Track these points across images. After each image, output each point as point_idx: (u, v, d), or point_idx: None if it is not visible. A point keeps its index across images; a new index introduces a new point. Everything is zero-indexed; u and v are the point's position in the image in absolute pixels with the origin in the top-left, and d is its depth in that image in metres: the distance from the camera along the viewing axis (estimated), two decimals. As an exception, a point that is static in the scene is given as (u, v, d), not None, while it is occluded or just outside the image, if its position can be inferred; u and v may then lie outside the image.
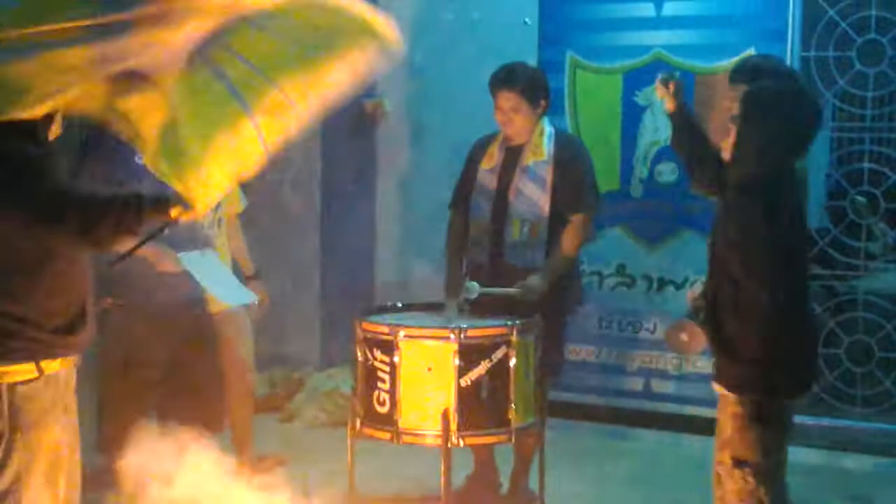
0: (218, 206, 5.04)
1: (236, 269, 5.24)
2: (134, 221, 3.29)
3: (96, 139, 4.62)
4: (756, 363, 3.50)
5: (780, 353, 3.50)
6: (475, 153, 4.93)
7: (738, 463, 3.55)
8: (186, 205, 3.23)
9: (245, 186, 5.38)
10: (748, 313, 3.49)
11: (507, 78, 4.73)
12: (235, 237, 5.27)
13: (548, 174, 4.72)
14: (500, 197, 4.76)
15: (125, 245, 3.48)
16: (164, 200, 3.28)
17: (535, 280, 4.57)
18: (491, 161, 4.83)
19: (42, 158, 3.30)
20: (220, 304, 4.92)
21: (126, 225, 3.27)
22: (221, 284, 4.73)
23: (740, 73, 4.26)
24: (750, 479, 3.53)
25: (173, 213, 3.25)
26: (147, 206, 3.27)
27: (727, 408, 3.57)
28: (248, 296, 4.89)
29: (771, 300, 3.45)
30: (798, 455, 5.80)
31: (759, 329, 3.49)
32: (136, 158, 4.50)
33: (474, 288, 4.48)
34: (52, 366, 3.36)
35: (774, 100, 3.56)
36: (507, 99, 4.70)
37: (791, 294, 3.50)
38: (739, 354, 3.53)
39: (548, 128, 4.80)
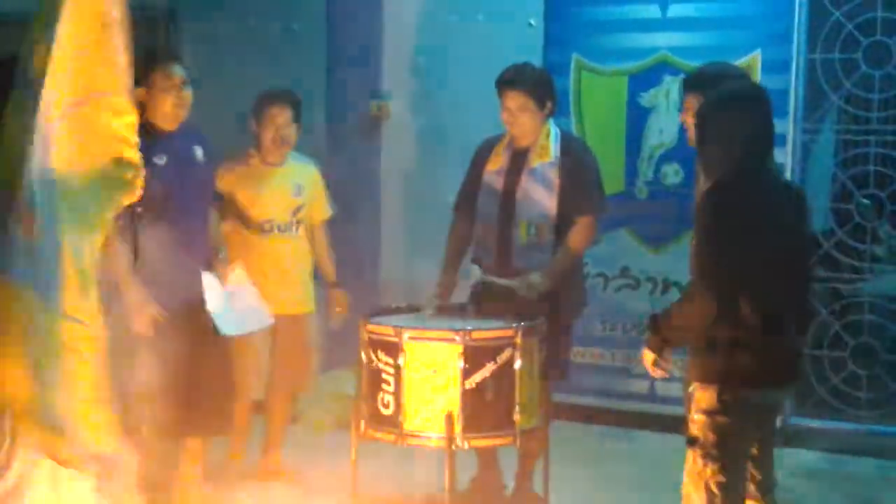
0: (298, 208, 5.11)
1: (318, 276, 5.30)
2: None
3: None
4: (709, 354, 3.53)
5: (728, 345, 3.49)
6: (481, 155, 4.92)
7: (691, 442, 3.59)
8: None
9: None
10: (702, 312, 3.51)
11: (515, 78, 4.73)
12: (320, 245, 5.34)
13: (554, 176, 4.72)
14: (507, 199, 4.75)
15: None
16: None
17: (536, 276, 4.57)
18: (497, 163, 4.82)
19: None
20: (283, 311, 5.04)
21: None
22: (234, 312, 4.75)
23: (692, 82, 4.29)
24: (699, 459, 3.55)
25: None
26: None
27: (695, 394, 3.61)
28: (251, 325, 4.91)
29: (722, 300, 3.47)
30: (803, 458, 5.83)
31: (709, 324, 3.50)
32: (156, 158, 4.52)
33: (475, 272, 4.49)
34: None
35: (720, 107, 3.63)
36: (514, 99, 4.70)
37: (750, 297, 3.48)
38: (699, 347, 3.59)
39: (554, 129, 4.80)
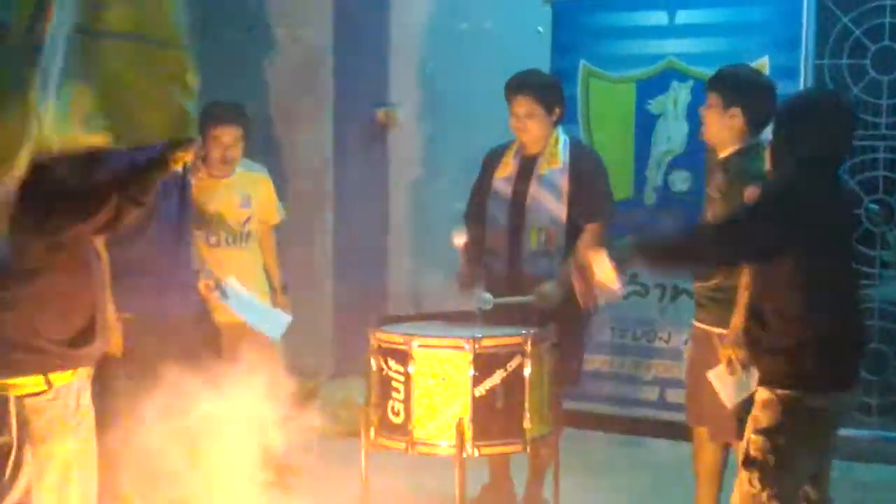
0: (247, 219, 5.07)
1: (268, 280, 5.27)
2: (138, 194, 3.29)
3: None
4: (781, 354, 3.47)
5: (804, 346, 3.44)
6: (490, 162, 4.93)
7: (750, 463, 3.50)
8: (185, 147, 3.25)
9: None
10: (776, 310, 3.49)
11: (523, 84, 4.73)
12: (268, 249, 5.28)
13: (563, 182, 4.72)
14: (516, 205, 4.75)
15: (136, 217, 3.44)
16: (157, 160, 3.29)
17: (549, 287, 4.57)
18: (506, 169, 4.83)
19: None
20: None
21: (131, 201, 3.28)
22: (259, 315, 4.80)
23: (719, 80, 4.29)
24: (757, 482, 3.47)
25: (173, 164, 3.29)
26: (144, 175, 3.29)
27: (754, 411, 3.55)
28: (281, 326, 5.00)
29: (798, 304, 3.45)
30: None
31: (783, 324, 3.48)
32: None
33: (488, 299, 4.47)
34: (61, 378, 3.35)
35: (811, 106, 3.61)
36: (523, 105, 4.70)
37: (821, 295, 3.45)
38: (766, 347, 3.53)
39: (562, 136, 4.80)
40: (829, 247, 3.48)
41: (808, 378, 3.45)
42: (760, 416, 3.50)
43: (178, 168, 3.60)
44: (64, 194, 3.24)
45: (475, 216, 4.92)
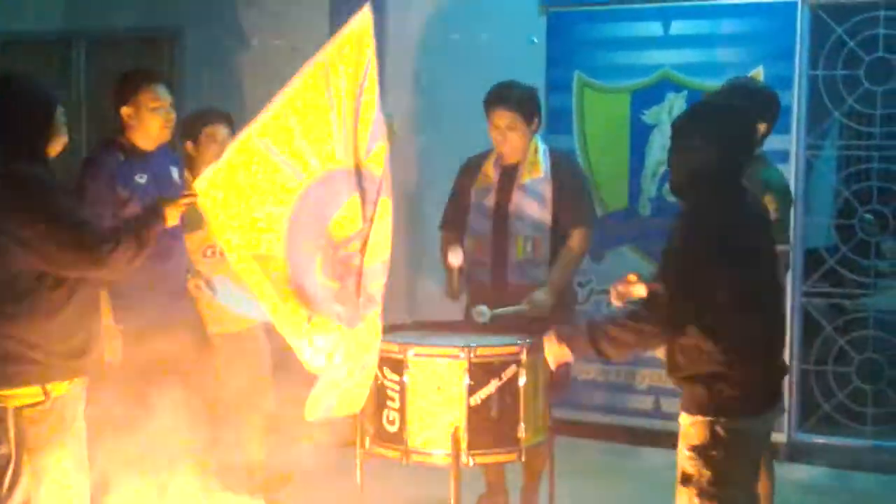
0: None
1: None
2: (145, 241, 3.41)
3: (100, 156, 4.64)
4: (698, 382, 3.43)
5: (719, 376, 3.39)
6: (468, 173, 4.95)
7: (685, 480, 3.46)
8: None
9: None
10: (691, 333, 3.43)
11: (502, 96, 4.76)
12: None
13: (546, 190, 4.75)
14: (500, 215, 4.77)
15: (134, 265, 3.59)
16: (158, 212, 3.66)
17: (540, 294, 4.59)
18: (486, 180, 4.85)
19: (54, 189, 3.36)
20: (239, 322, 4.94)
21: (140, 248, 3.40)
22: (248, 305, 4.80)
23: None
24: (695, 499, 3.42)
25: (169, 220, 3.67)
26: (151, 223, 3.59)
27: (683, 430, 3.51)
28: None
29: (703, 319, 3.38)
30: (808, 474, 5.82)
31: (701, 351, 3.42)
32: (138, 177, 4.52)
33: (485, 312, 4.47)
34: (58, 388, 3.37)
35: (697, 121, 3.50)
36: (502, 117, 4.73)
37: (733, 316, 3.36)
38: (685, 374, 3.50)
39: (542, 145, 4.83)
40: (746, 275, 3.38)
41: (725, 407, 3.40)
42: (691, 434, 3.45)
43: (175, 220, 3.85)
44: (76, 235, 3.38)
45: (453, 225, 4.95)
